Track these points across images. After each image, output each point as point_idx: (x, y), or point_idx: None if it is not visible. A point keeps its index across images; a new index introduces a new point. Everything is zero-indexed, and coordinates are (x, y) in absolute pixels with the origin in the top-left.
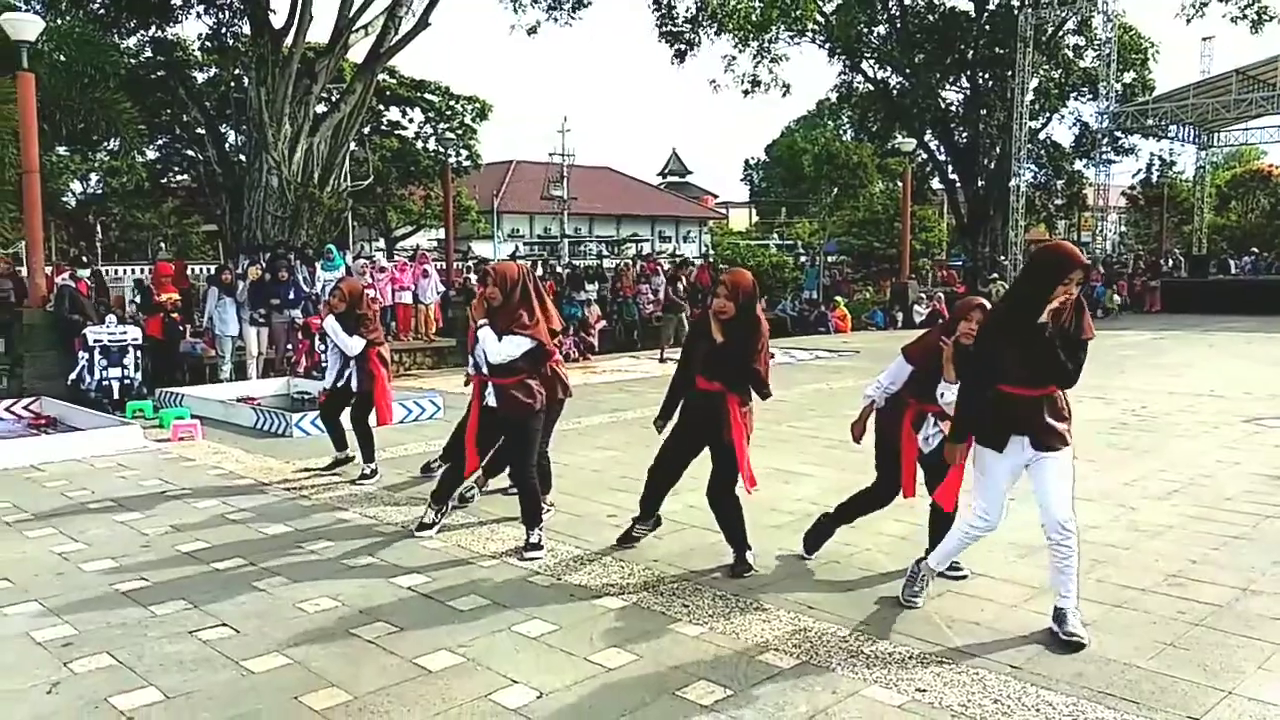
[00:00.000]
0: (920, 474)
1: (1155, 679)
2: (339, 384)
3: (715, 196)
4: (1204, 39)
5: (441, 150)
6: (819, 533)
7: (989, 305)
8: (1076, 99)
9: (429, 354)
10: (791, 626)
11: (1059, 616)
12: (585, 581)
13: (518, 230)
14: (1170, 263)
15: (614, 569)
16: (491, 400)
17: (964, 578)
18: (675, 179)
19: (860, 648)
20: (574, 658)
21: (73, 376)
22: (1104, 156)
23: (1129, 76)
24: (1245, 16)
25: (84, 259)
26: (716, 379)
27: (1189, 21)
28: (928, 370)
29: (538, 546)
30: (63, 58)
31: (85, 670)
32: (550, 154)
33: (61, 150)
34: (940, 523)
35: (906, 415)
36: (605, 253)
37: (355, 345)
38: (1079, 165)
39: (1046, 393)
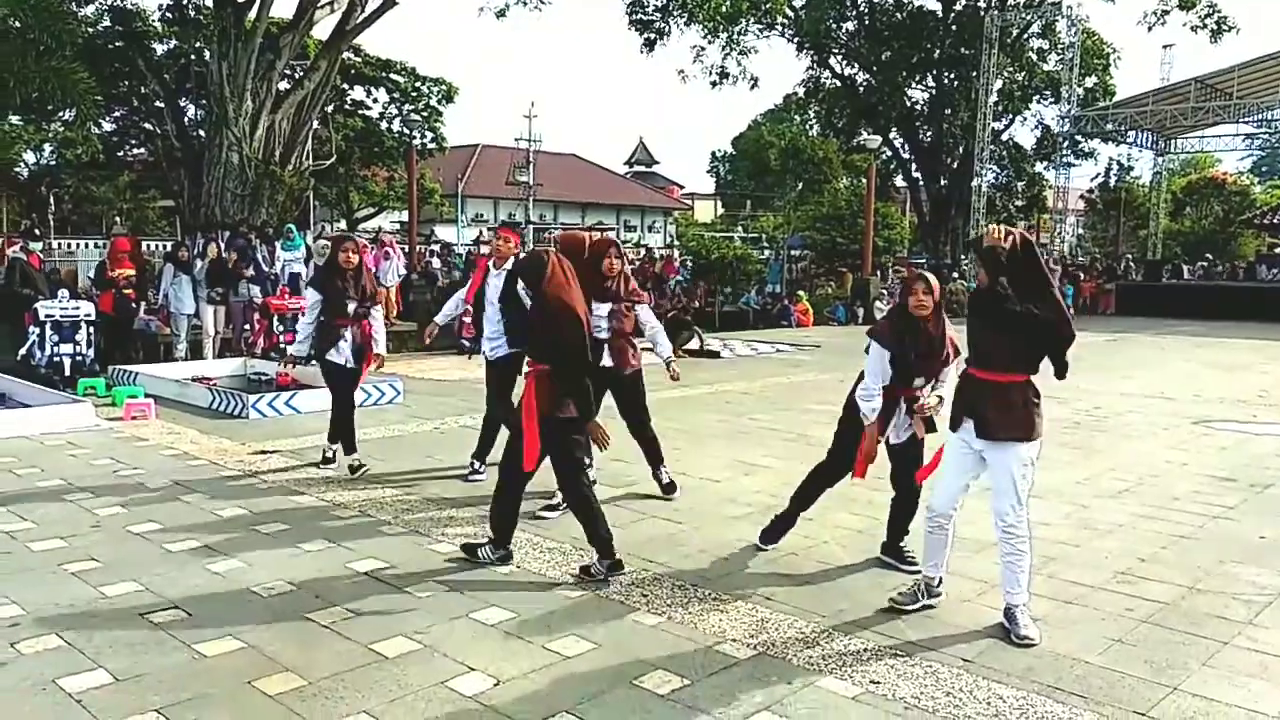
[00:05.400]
0: (889, 467)
1: (1103, 674)
2: (344, 363)
3: (681, 187)
4: (1164, 46)
5: (406, 132)
6: (781, 524)
7: (930, 277)
8: (1039, 102)
9: (390, 338)
10: (749, 617)
11: (1009, 615)
12: (543, 569)
13: (481, 215)
14: (1124, 266)
15: (573, 557)
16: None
17: (918, 572)
18: (641, 168)
19: (816, 639)
20: (531, 645)
21: (23, 351)
22: (1064, 159)
23: (1090, 81)
24: (1205, 26)
25: (36, 231)
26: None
27: (1150, 29)
28: (906, 356)
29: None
30: (18, 24)
31: (32, 651)
32: (516, 139)
33: (14, 119)
34: (900, 516)
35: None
36: None
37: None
38: (1040, 167)
39: (996, 378)
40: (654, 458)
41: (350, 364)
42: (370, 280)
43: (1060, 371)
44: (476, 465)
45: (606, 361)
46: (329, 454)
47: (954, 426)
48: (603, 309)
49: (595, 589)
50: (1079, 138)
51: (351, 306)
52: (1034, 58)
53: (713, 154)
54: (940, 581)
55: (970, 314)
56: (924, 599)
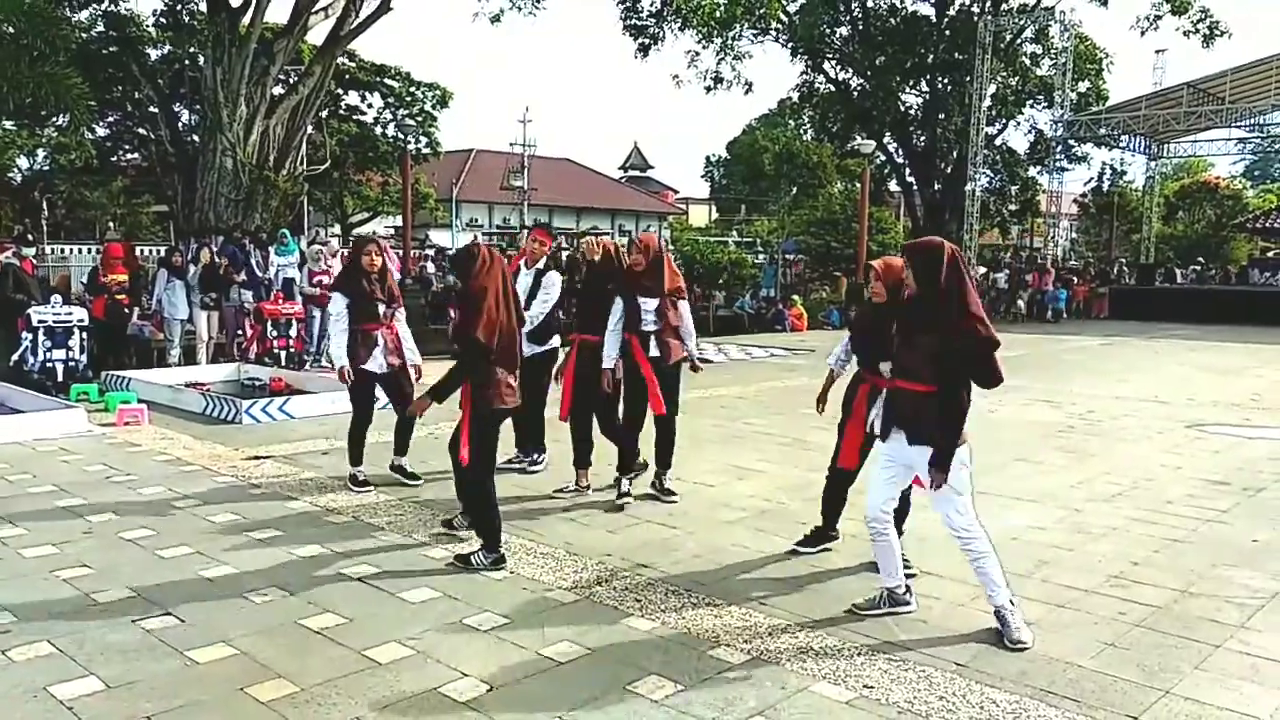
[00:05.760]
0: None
1: (1096, 678)
2: (378, 370)
3: (676, 192)
4: (1157, 51)
5: (401, 136)
6: (819, 537)
7: (878, 265)
8: (1032, 106)
9: None
10: (742, 622)
11: (1000, 618)
12: (537, 575)
13: (476, 219)
14: (1117, 270)
15: (566, 562)
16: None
17: (913, 576)
18: (636, 173)
19: (809, 644)
20: (525, 651)
21: (15, 357)
22: (1057, 164)
23: (1083, 86)
24: (1197, 31)
25: (29, 237)
26: None
27: (1143, 34)
28: (869, 340)
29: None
30: (11, 30)
31: (24, 658)
32: (511, 144)
33: (8, 124)
34: (894, 520)
35: (861, 390)
36: (565, 245)
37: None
38: (1033, 172)
39: (921, 389)
40: (664, 459)
41: (383, 370)
42: (394, 282)
43: (986, 383)
44: (531, 455)
45: (654, 352)
46: (400, 463)
47: (883, 436)
48: (650, 303)
49: (589, 594)
50: (1072, 142)
51: (381, 309)
52: (1027, 63)
53: (707, 159)
54: (907, 590)
55: (897, 327)
56: (886, 607)
